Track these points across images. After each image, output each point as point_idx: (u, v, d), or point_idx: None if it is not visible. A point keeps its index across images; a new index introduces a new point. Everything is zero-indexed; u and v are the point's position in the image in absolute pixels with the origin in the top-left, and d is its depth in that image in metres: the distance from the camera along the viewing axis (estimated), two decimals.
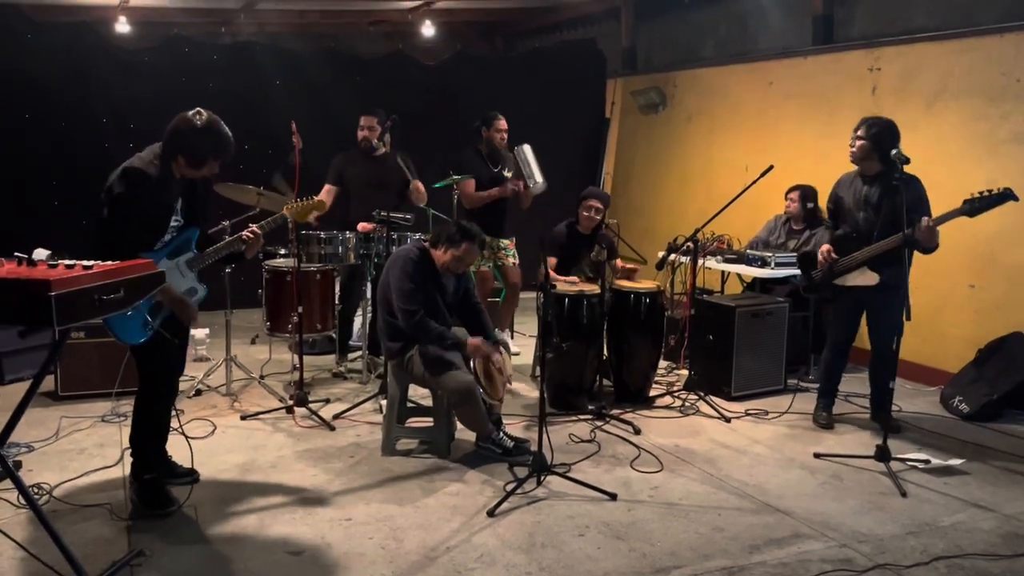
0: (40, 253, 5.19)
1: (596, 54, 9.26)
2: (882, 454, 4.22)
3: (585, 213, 5.65)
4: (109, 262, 2.90)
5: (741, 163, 7.34)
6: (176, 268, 3.62)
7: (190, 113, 3.55)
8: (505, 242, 6.23)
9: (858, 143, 4.64)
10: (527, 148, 6.03)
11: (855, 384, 5.79)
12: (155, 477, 3.71)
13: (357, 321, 6.18)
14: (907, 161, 4.14)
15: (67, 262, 2.81)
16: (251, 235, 3.85)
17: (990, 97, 5.49)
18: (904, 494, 3.98)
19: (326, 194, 5.64)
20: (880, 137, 4.56)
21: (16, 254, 4.41)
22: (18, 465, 4.07)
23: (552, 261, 5.64)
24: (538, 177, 5.98)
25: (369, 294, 5.56)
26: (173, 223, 3.63)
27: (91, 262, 2.83)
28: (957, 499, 3.97)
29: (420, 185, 5.76)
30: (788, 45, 7.15)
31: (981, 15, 5.62)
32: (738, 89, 7.58)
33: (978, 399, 5.15)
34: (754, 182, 5.08)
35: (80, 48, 7.23)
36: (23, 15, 7.16)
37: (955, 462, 4.37)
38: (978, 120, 5.56)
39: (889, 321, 4.60)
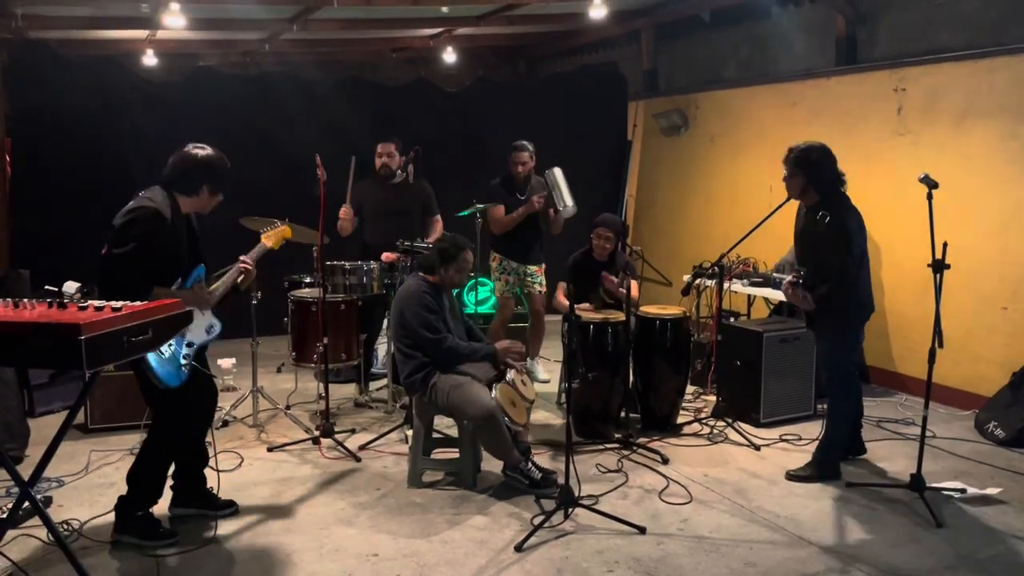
0: (70, 286, 5.25)
1: (617, 77, 9.27)
2: (917, 483, 4.13)
3: (596, 241, 5.61)
4: (135, 302, 2.92)
5: (765, 184, 7.26)
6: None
7: (198, 148, 3.64)
8: (533, 268, 6.21)
9: (792, 180, 4.39)
10: (558, 172, 6.03)
11: (887, 409, 5.71)
12: (148, 513, 3.71)
13: (381, 349, 6.17)
14: (935, 186, 4.05)
15: (97, 303, 2.83)
16: (247, 267, 3.94)
17: (1020, 116, 5.41)
18: (940, 525, 3.90)
19: (345, 213, 5.73)
20: (814, 166, 4.32)
21: (46, 287, 4.47)
22: (48, 501, 4.09)
23: (561, 286, 5.60)
24: (568, 201, 5.96)
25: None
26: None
27: (120, 303, 2.85)
28: (995, 530, 3.88)
29: (439, 222, 5.97)
30: (811, 66, 7.11)
31: (1008, 34, 5.55)
32: (761, 110, 7.54)
33: (1014, 424, 5.03)
34: (779, 207, 5.03)
35: (107, 82, 7.33)
36: (51, 50, 7.28)
37: (992, 491, 4.27)
38: (1008, 139, 5.48)
39: (823, 353, 4.63)
